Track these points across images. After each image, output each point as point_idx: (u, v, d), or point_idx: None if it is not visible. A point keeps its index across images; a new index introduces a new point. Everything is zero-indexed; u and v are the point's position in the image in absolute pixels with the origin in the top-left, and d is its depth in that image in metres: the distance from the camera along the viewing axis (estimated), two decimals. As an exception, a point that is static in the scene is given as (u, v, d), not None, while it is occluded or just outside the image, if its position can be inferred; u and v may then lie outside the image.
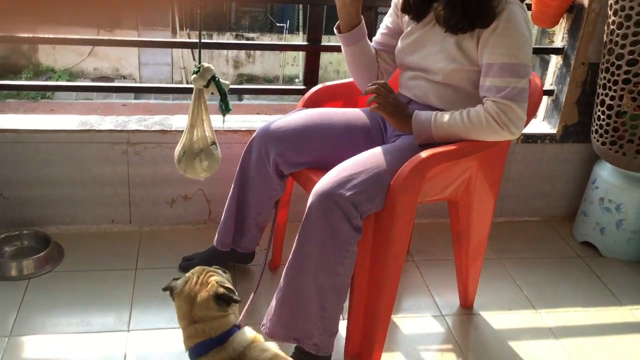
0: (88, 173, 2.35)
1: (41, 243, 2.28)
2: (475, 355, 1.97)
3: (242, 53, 13.73)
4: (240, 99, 12.33)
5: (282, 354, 1.41)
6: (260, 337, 1.44)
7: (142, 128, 2.35)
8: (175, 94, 12.31)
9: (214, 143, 1.70)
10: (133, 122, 2.38)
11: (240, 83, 13.15)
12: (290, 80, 14.03)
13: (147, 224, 2.48)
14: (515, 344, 2.03)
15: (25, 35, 2.42)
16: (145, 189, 2.42)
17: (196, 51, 1.76)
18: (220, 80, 1.74)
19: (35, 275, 2.15)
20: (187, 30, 13.45)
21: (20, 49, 12.78)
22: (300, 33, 13.90)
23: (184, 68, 13.78)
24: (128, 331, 1.95)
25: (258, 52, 13.78)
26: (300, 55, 13.50)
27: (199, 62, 1.71)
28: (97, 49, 12.79)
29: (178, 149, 1.72)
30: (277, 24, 14.34)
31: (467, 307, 2.18)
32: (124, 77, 13.80)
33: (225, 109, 1.72)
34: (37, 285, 2.12)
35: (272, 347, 1.41)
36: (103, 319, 1.99)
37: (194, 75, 1.67)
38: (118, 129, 2.32)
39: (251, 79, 13.62)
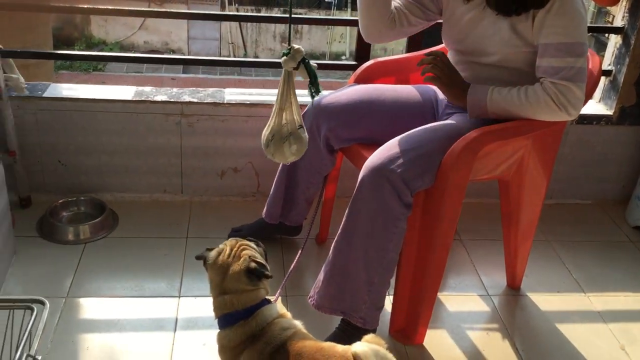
0: (142, 143, 2.41)
1: (97, 209, 2.36)
2: (522, 335, 1.97)
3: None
4: (286, 75, 12.32)
5: (303, 332, 1.41)
6: (288, 314, 1.45)
7: (195, 100, 2.39)
8: (223, 69, 12.42)
9: (301, 126, 1.67)
10: (186, 94, 2.42)
11: (287, 59, 13.09)
12: (336, 57, 13.94)
13: (197, 194, 2.53)
14: (562, 326, 2.01)
15: (80, 5, 2.48)
16: (196, 160, 2.47)
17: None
18: (310, 62, 1.72)
19: (91, 240, 2.23)
20: (236, 5, 13.48)
21: (73, 21, 13.04)
22: (349, 9, 13.78)
23: (232, 43, 13.86)
24: (179, 297, 2.01)
25: (305, 28, 13.72)
26: (348, 32, 13.40)
27: (289, 44, 1.68)
28: (147, 22, 12.96)
29: (266, 132, 1.69)
30: (326, 0, 14.23)
31: (514, 288, 2.17)
32: (173, 51, 13.96)
33: (315, 92, 1.69)
34: (92, 249, 2.20)
35: (295, 325, 1.42)
36: (155, 284, 2.06)
37: (284, 57, 1.64)
38: (172, 100, 2.37)
39: (298, 55, 13.61)
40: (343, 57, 13.70)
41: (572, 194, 2.74)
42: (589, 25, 1.81)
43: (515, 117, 1.75)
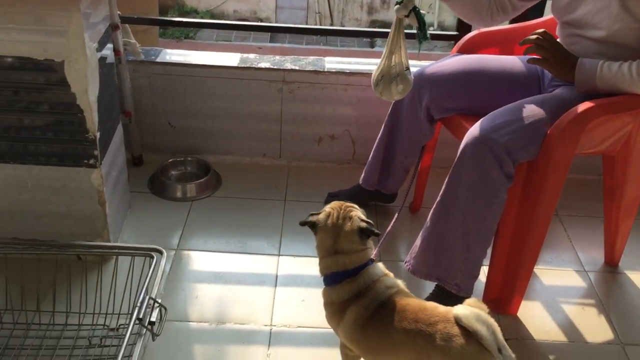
0: (245, 108, 2.51)
1: (202, 170, 2.50)
2: (618, 313, 1.95)
3: (378, -2, 13.56)
4: (372, 46, 12.28)
5: (405, 291, 1.47)
6: (391, 274, 1.51)
7: (297, 68, 2.46)
8: (309, 39, 12.49)
9: (407, 69, 1.80)
10: (288, 62, 2.50)
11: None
12: (425, 28, 13.71)
13: (295, 159, 2.63)
14: (662, 306, 1.98)
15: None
16: (295, 127, 2.55)
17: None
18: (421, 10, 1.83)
19: (197, 198, 2.37)
20: (325, -26, 13.46)
21: (167, -10, 13.44)
22: (438, -21, 13.49)
23: (319, 13, 13.88)
24: (279, 255, 2.12)
25: (393, -1, 13.54)
26: (437, 3, 13.12)
27: None
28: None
29: (376, 73, 1.83)
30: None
31: (612, 265, 2.14)
32: (261, 20, 14.15)
33: (423, 38, 1.81)
34: (198, 207, 2.34)
35: (399, 284, 1.48)
36: (257, 242, 2.17)
37: (397, 5, 1.78)
38: (275, 67, 2.45)
39: (384, 25, 13.47)
40: (431, 28, 13.46)
41: (677, 174, 2.64)
42: None
43: (625, 92, 1.71)
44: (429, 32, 1.87)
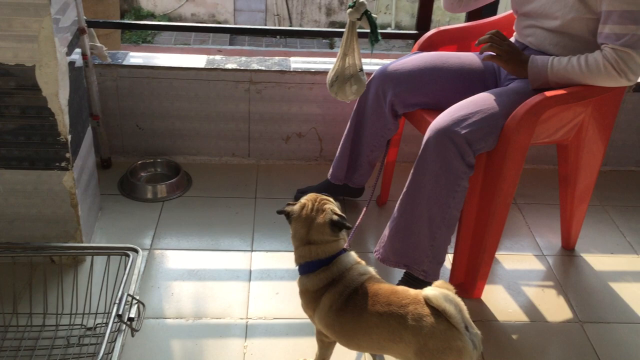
0: (213, 109, 2.55)
1: (172, 170, 2.54)
2: (576, 292, 2.06)
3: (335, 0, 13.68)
4: (331, 47, 12.38)
5: (377, 277, 1.54)
6: (362, 262, 1.58)
7: (263, 68, 2.52)
8: (269, 40, 12.53)
9: (361, 70, 1.88)
10: (255, 63, 2.56)
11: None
12: (382, 28, 13.84)
13: (263, 158, 2.68)
14: (615, 285, 2.10)
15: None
16: (263, 126, 2.61)
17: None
18: (372, 14, 1.91)
19: (167, 198, 2.41)
20: (282, -24, 13.50)
21: (123, -6, 13.28)
22: (394, -20, 13.67)
23: (278, 15, 13.92)
24: (252, 251, 2.17)
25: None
26: (394, 4, 13.32)
27: None
28: (194, -6, 13.14)
29: (330, 74, 1.91)
30: (371, -30, 14.11)
31: (568, 249, 2.26)
32: (219, 23, 14.12)
33: (374, 40, 1.89)
34: (170, 207, 2.37)
35: (370, 270, 1.55)
36: (229, 240, 2.22)
37: (350, 9, 1.87)
38: (242, 68, 2.50)
39: (344, 26, 13.59)
40: (388, 28, 13.63)
41: (627, 161, 2.79)
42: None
43: (576, 85, 1.82)
44: (385, 31, 1.97)
